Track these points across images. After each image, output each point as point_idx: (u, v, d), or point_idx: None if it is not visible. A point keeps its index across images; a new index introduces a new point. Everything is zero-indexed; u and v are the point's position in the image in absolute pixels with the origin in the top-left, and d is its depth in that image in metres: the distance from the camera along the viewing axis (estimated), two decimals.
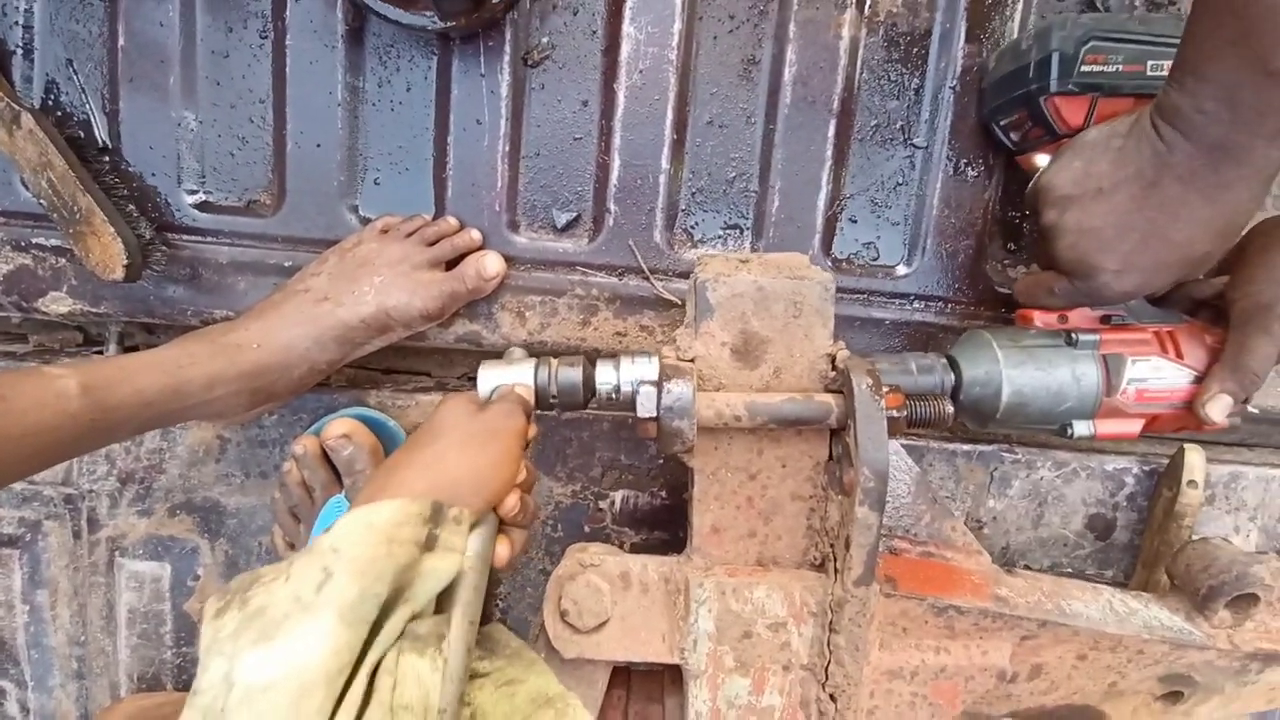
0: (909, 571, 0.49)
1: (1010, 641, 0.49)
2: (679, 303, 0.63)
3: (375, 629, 0.33)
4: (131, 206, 0.61)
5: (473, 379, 0.69)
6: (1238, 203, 0.41)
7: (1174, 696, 0.55)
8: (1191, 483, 0.63)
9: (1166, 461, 0.66)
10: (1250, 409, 0.67)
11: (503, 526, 0.42)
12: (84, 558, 0.68)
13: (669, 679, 0.54)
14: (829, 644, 0.47)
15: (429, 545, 0.36)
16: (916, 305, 0.65)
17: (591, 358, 0.54)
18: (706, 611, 0.47)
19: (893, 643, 0.49)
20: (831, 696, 0.47)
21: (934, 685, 0.49)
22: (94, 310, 0.64)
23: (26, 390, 0.40)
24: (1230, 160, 0.39)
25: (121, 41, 0.61)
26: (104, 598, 0.68)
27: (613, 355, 0.53)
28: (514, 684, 0.40)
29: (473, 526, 0.39)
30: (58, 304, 0.64)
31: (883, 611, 0.48)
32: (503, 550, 0.41)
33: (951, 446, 0.66)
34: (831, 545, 0.47)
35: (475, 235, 0.62)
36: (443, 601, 0.37)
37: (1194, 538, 0.61)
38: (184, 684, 0.68)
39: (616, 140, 0.62)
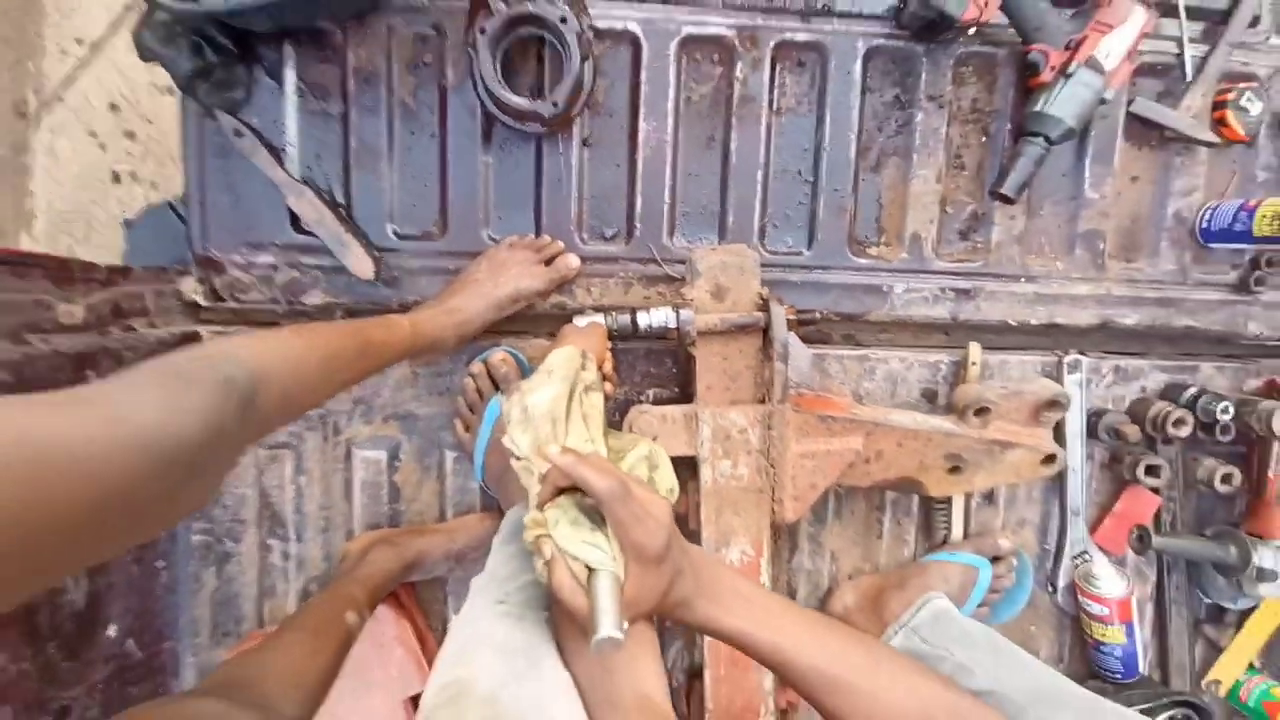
0: (808, 403, 0.96)
1: (861, 436, 0.97)
2: (680, 277, 1.10)
3: (572, 390, 0.79)
4: (364, 237, 1.06)
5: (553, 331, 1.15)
6: None
7: (956, 470, 1.03)
8: (973, 363, 1.11)
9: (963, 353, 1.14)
10: (1010, 322, 1.15)
11: (606, 378, 0.89)
12: (330, 452, 1.12)
13: (689, 476, 1.01)
14: (767, 438, 0.94)
15: (583, 366, 0.82)
16: (816, 272, 1.12)
17: (633, 310, 1.00)
18: (706, 426, 0.94)
19: (802, 440, 0.96)
20: (771, 465, 0.94)
21: (824, 460, 0.96)
22: (338, 301, 1.08)
23: (392, 325, 0.85)
24: None
25: (352, 144, 1.06)
26: (343, 477, 1.12)
27: (644, 308, 1.00)
28: (625, 438, 0.87)
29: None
30: (314, 297, 1.08)
31: (793, 421, 0.95)
32: (609, 386, 0.87)
33: (839, 352, 1.13)
34: (766, 389, 0.95)
35: (560, 245, 1.08)
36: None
37: None
38: (397, 525, 1.13)
39: (639, 186, 1.09)
